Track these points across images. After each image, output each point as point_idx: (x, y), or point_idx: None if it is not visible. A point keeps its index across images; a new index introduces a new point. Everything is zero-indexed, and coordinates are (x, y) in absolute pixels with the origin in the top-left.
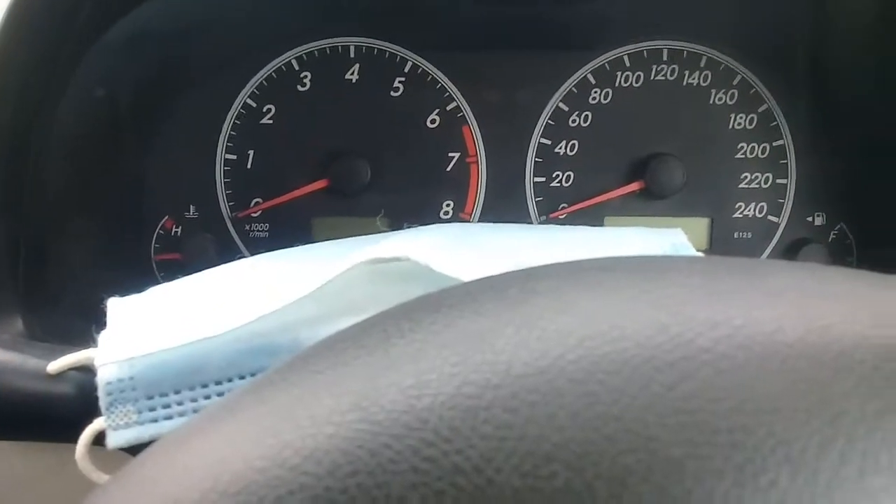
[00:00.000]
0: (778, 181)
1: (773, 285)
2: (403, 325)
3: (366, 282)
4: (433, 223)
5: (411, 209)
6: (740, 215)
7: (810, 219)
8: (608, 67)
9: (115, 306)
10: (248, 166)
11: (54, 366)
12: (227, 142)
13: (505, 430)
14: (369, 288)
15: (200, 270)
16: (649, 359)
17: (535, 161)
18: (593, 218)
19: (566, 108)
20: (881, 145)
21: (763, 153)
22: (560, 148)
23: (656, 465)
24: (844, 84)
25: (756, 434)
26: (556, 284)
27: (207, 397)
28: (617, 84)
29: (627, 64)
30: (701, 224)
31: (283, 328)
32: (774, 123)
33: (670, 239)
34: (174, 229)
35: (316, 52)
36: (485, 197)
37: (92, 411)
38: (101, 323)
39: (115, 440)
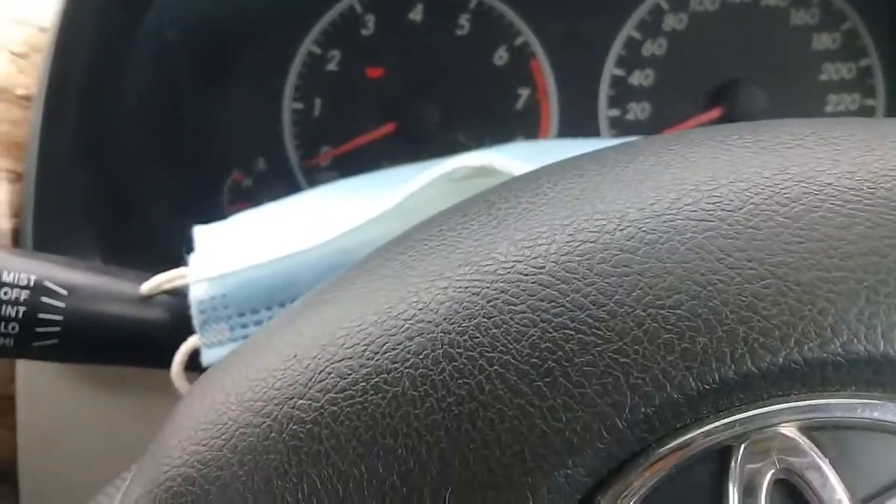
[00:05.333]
0: (866, 102)
1: (888, 131)
2: (505, 194)
3: (448, 197)
4: None
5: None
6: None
7: None
8: None
9: (202, 231)
10: (316, 115)
11: (147, 286)
12: (294, 90)
13: (624, 266)
14: (452, 202)
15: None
16: (771, 195)
17: (609, 94)
18: None
19: (639, 37)
20: None
21: (849, 74)
22: (634, 78)
23: (786, 289)
24: None
25: (889, 257)
26: (659, 146)
27: None
28: (691, 8)
29: None
30: None
31: (367, 243)
32: (859, 42)
33: None
34: (245, 181)
35: None
36: (558, 133)
37: (185, 335)
38: (187, 253)
39: (209, 357)
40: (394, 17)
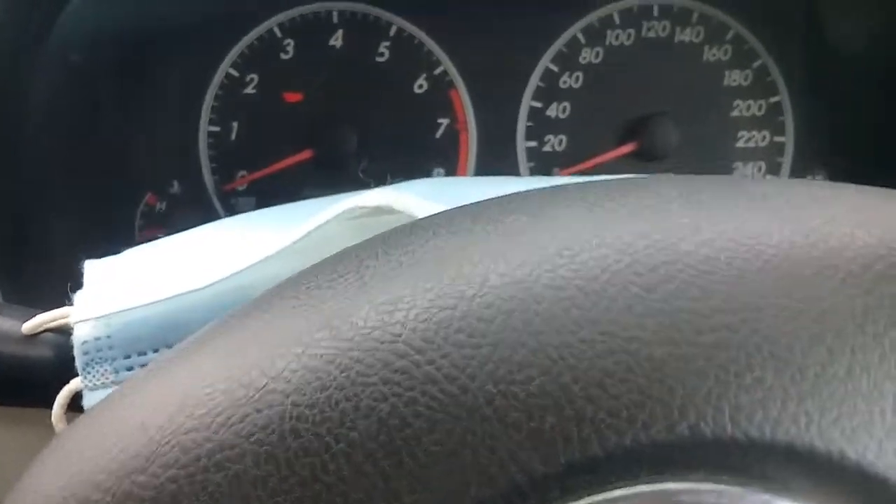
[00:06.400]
0: (775, 139)
1: (756, 194)
2: (377, 250)
3: (349, 235)
4: None
5: (401, 178)
6: (738, 175)
7: (810, 177)
8: (598, 25)
9: (92, 267)
10: (233, 138)
11: (29, 325)
12: (211, 113)
13: (479, 337)
14: (352, 241)
15: None
16: (630, 263)
17: (527, 125)
18: None
19: (556, 69)
20: (881, 97)
21: (759, 110)
22: (552, 110)
23: (636, 366)
24: (841, 35)
25: (740, 332)
26: (533, 204)
27: None
28: (608, 43)
29: (617, 21)
30: None
31: (265, 281)
32: (770, 79)
33: None
34: (158, 205)
35: (298, 17)
36: (476, 163)
37: (69, 375)
38: (78, 287)
39: (91, 400)
40: (313, 43)
